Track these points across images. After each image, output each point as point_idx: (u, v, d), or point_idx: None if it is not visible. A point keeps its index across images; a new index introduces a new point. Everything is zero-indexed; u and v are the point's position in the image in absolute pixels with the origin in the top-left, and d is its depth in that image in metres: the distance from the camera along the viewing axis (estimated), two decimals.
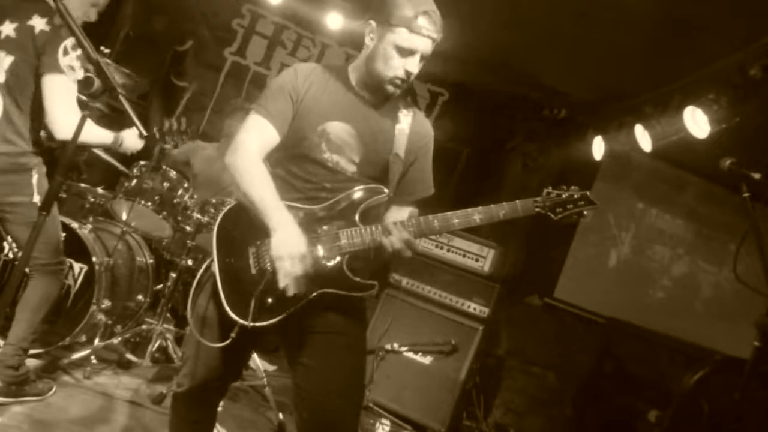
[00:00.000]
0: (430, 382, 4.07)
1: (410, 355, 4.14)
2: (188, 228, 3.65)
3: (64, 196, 3.76)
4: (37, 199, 2.57)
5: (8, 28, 2.48)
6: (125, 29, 5.00)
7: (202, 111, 5.27)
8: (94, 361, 3.27)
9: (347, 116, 1.97)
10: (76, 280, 3.32)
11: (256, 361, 3.54)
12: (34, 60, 2.48)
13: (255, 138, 1.94)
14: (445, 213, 1.89)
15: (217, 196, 3.69)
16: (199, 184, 3.92)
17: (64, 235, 2.90)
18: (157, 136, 2.70)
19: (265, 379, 3.47)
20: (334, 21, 4.82)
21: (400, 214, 2.03)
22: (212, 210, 3.63)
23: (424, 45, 1.89)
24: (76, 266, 3.31)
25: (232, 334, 1.84)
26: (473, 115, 5.47)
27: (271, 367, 4.07)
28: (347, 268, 1.88)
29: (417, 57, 1.90)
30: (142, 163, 3.68)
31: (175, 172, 3.72)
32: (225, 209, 1.98)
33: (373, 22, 1.95)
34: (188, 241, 3.64)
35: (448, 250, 4.35)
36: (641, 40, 3.66)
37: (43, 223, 1.94)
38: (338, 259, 1.87)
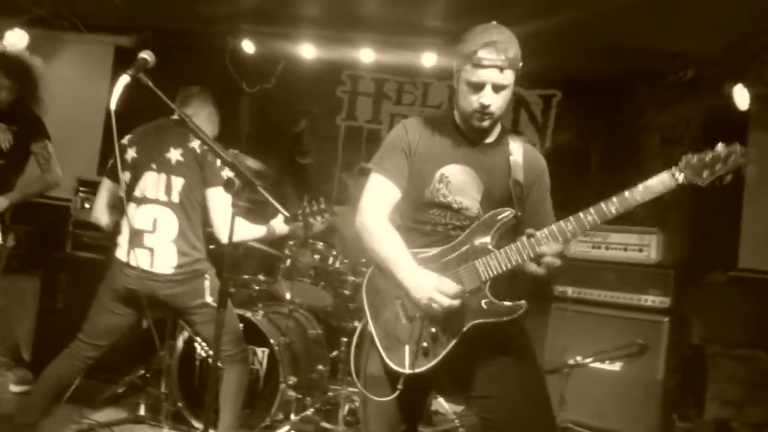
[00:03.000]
0: (626, 389, 3.81)
1: (597, 365, 3.92)
2: (347, 292, 3.81)
3: (233, 290, 4.09)
4: (210, 299, 2.84)
5: (175, 154, 2.85)
6: (246, 127, 5.47)
7: (330, 181, 5.53)
8: None
9: (461, 158, 2.04)
10: (261, 364, 3.56)
11: (443, 404, 3.54)
12: (200, 177, 2.82)
13: (377, 198, 2.05)
14: (576, 214, 1.80)
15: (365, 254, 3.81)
16: (347, 246, 4.09)
17: (241, 325, 3.15)
18: (301, 219, 2.94)
19: (456, 421, 3.45)
20: (429, 59, 4.92)
21: None
22: (364, 269, 3.76)
23: (491, 75, 1.90)
24: (259, 351, 3.56)
25: (399, 386, 1.90)
26: (593, 105, 5.23)
27: (459, 408, 4.04)
28: (492, 295, 1.90)
29: (488, 88, 1.92)
30: (291, 243, 3.93)
31: (321, 243, 3.93)
32: (369, 270, 2.09)
33: (454, 64, 2.02)
34: (350, 304, 3.79)
35: (607, 248, 4.13)
36: None
37: (222, 319, 2.13)
38: (481, 289, 1.89)
